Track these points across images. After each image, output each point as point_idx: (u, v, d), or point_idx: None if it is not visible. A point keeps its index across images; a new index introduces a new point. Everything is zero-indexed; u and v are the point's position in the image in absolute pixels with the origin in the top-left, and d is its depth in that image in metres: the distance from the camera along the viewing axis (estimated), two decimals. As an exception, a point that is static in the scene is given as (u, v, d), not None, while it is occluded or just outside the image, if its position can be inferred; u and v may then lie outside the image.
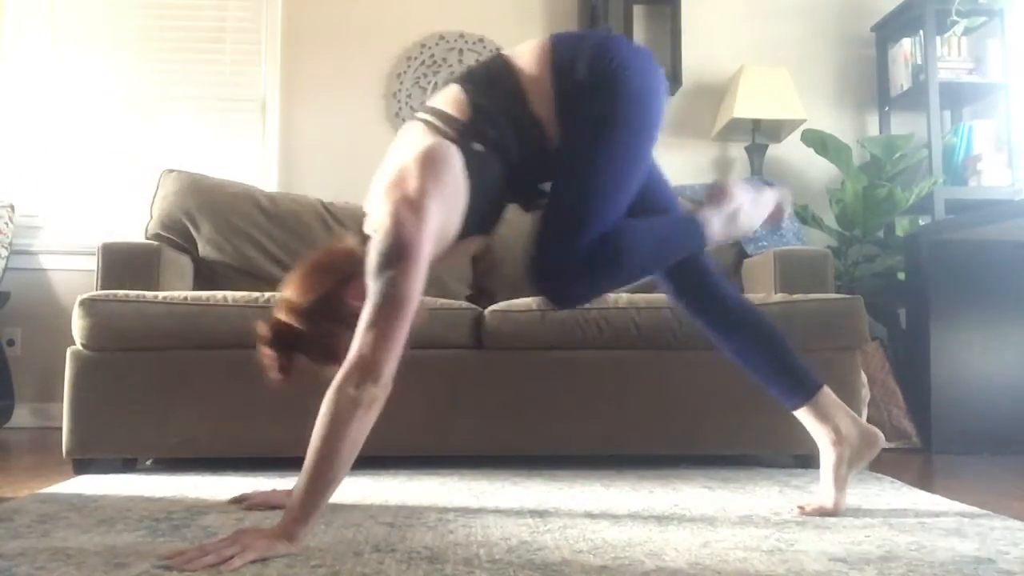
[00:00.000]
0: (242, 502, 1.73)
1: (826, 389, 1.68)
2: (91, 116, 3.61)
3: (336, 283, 1.49)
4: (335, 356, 1.38)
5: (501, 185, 1.53)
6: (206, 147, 3.61)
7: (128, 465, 2.28)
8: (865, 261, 3.37)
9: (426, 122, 1.52)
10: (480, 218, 1.52)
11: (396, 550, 1.31)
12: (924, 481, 2.19)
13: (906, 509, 1.70)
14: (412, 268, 1.33)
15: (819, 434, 1.68)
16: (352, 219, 2.99)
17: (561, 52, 1.54)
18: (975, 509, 1.70)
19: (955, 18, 3.39)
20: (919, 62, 3.46)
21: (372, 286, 1.34)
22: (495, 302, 2.45)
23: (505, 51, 1.62)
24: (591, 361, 2.33)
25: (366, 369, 1.29)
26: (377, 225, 1.40)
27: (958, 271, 2.91)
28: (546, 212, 1.53)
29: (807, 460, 2.34)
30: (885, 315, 3.31)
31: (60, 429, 2.20)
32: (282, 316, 1.48)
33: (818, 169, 3.67)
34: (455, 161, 1.43)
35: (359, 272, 1.43)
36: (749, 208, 1.67)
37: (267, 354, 1.49)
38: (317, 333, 1.47)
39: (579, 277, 1.50)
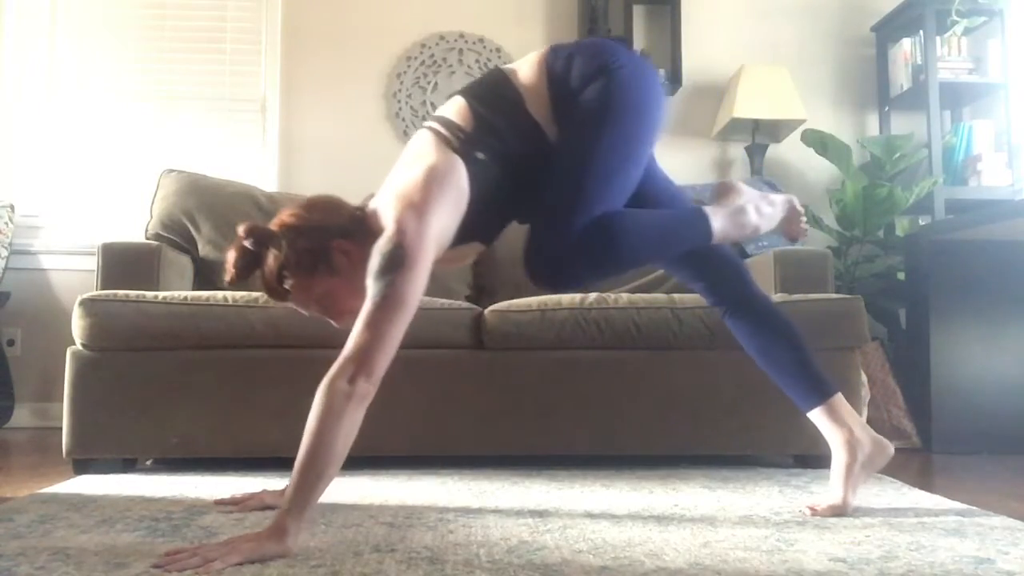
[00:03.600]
0: (227, 505, 1.70)
1: (841, 396, 1.72)
2: (91, 116, 3.61)
3: (332, 224, 1.51)
4: (284, 294, 1.49)
5: (503, 194, 1.57)
6: (206, 147, 3.61)
7: (128, 465, 2.28)
8: (865, 261, 3.37)
9: (434, 131, 1.57)
10: (481, 225, 1.57)
11: (396, 550, 1.31)
12: (924, 481, 2.19)
13: (906, 509, 1.70)
14: (413, 273, 1.36)
15: (833, 435, 1.70)
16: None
17: (556, 55, 1.62)
18: (975, 509, 1.70)
19: (955, 18, 3.39)
20: (919, 62, 3.46)
21: (372, 287, 1.36)
22: (495, 302, 2.45)
23: (505, 66, 1.67)
24: (591, 361, 2.33)
25: (361, 365, 1.31)
26: (384, 229, 1.43)
27: (958, 271, 2.91)
28: (542, 201, 1.55)
29: (807, 460, 2.34)
30: (885, 315, 3.32)
31: (60, 429, 2.20)
32: (270, 225, 1.52)
33: (818, 169, 3.67)
34: (460, 173, 1.50)
35: (354, 233, 1.49)
36: (756, 207, 1.67)
37: (234, 253, 1.50)
38: (287, 259, 1.47)
39: (575, 258, 1.51)
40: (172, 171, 2.95)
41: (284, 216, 1.53)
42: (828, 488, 1.72)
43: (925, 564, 1.24)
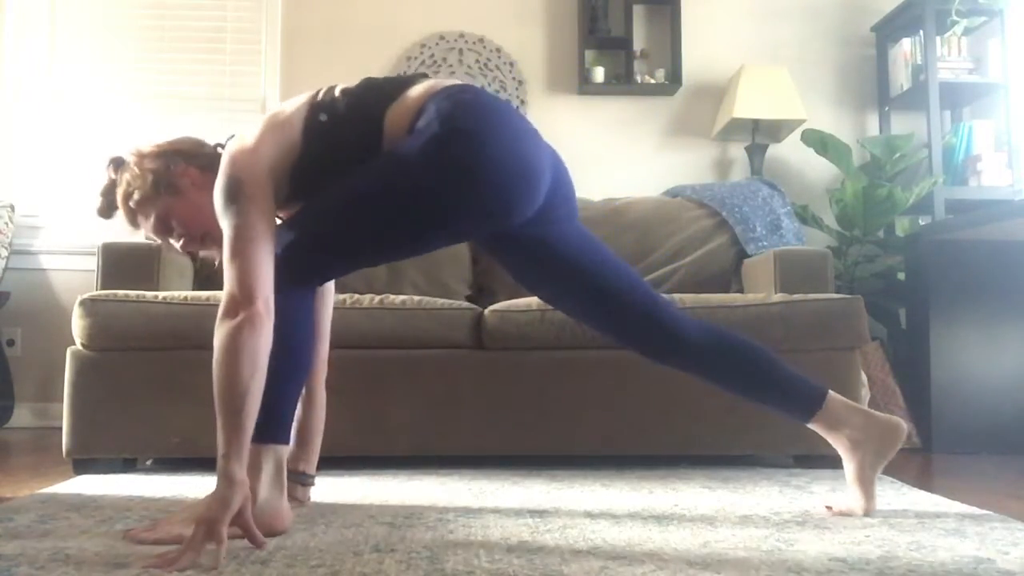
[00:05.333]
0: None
1: (831, 395, 1.62)
2: (91, 116, 3.61)
3: (180, 151, 1.62)
4: (135, 217, 1.60)
5: (325, 163, 1.51)
6: (206, 147, 3.60)
7: (128, 465, 2.28)
8: (865, 261, 3.37)
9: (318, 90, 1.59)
10: (308, 186, 1.52)
11: (396, 550, 1.31)
12: (924, 481, 2.19)
13: (906, 509, 1.70)
14: (253, 199, 1.39)
15: (835, 442, 1.64)
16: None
17: (446, 92, 1.46)
18: (975, 509, 1.70)
19: (955, 18, 3.39)
20: (919, 62, 3.46)
21: (222, 222, 1.40)
22: (495, 302, 2.45)
23: (420, 78, 1.57)
24: (591, 361, 2.33)
25: (236, 299, 1.33)
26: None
27: (958, 271, 2.91)
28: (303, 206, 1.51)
29: (807, 460, 2.34)
30: (885, 315, 3.32)
31: (60, 429, 2.21)
32: (129, 156, 1.63)
33: (818, 169, 3.67)
34: (295, 122, 1.49)
35: (206, 165, 1.59)
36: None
37: (100, 190, 1.65)
38: (134, 181, 1.59)
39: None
40: (172, 171, 2.95)
41: (141, 147, 1.63)
42: (846, 490, 1.69)
43: (925, 564, 1.24)
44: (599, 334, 1.69)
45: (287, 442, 1.44)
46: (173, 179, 1.58)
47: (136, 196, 1.59)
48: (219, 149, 1.65)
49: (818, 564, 1.24)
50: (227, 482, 1.25)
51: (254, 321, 1.31)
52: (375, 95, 1.50)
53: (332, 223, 1.44)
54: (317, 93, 1.54)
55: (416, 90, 1.49)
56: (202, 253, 1.69)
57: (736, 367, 1.62)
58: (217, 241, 1.54)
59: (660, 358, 1.65)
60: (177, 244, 1.63)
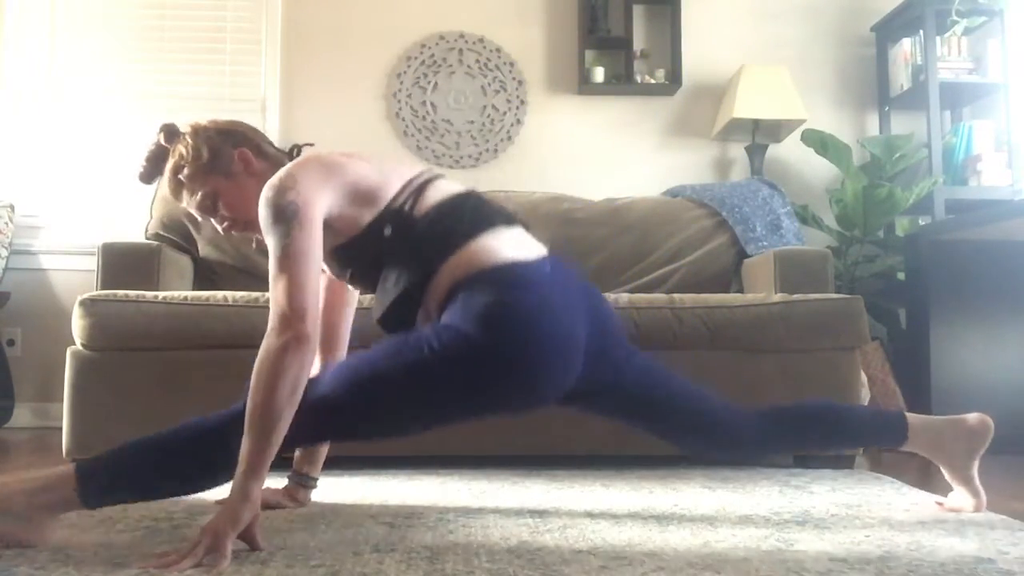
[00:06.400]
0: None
1: (905, 418, 1.68)
2: (91, 116, 3.61)
3: (240, 133, 1.59)
4: (180, 189, 1.56)
5: (371, 274, 1.48)
6: (206, 147, 3.60)
7: (128, 465, 2.28)
8: (865, 261, 3.37)
9: (423, 173, 1.51)
10: (343, 262, 1.50)
11: (396, 550, 1.31)
12: (924, 481, 2.18)
13: (906, 509, 1.70)
14: (303, 226, 1.35)
15: (929, 455, 1.70)
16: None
17: (490, 283, 1.39)
18: (975, 509, 1.70)
19: (955, 18, 3.39)
20: (919, 62, 3.46)
21: (269, 239, 1.37)
22: (495, 302, 2.45)
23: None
24: (591, 361, 2.33)
25: (283, 317, 1.30)
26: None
27: (958, 271, 2.91)
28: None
29: (807, 460, 2.34)
30: (885, 315, 3.32)
31: (60, 429, 2.21)
32: (185, 127, 1.61)
33: (818, 169, 3.67)
34: (367, 210, 1.44)
35: (266, 154, 1.57)
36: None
37: (148, 148, 1.61)
38: (187, 153, 1.55)
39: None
40: (172, 171, 2.95)
41: (198, 120, 1.61)
42: (954, 492, 1.72)
43: (925, 564, 1.24)
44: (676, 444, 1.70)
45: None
46: (227, 160, 1.54)
47: (187, 171, 1.55)
48: (285, 149, 1.63)
49: (818, 564, 1.24)
50: (242, 497, 1.25)
51: (301, 341, 1.29)
52: (443, 237, 1.41)
53: (369, 399, 1.36)
54: (406, 186, 1.46)
55: (475, 249, 1.40)
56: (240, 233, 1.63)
57: (809, 436, 1.69)
58: (243, 227, 1.55)
59: (734, 457, 1.69)
60: (220, 226, 1.59)
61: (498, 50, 3.70)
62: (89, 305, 2.20)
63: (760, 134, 3.55)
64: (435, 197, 1.46)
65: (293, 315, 1.29)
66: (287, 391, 1.28)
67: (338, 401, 1.35)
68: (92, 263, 2.60)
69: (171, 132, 1.60)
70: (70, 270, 3.50)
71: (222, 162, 1.54)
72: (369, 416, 1.38)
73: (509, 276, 1.39)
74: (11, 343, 3.46)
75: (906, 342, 3.15)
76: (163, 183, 2.79)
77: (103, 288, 2.36)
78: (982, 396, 2.87)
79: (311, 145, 1.60)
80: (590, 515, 1.63)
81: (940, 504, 1.72)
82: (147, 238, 2.81)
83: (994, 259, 2.90)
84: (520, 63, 3.71)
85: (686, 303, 2.34)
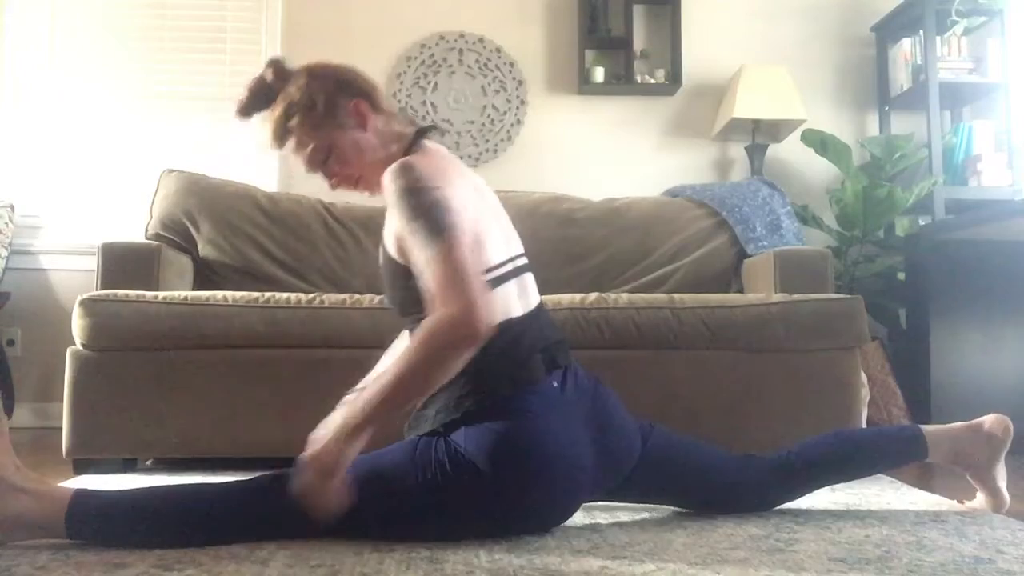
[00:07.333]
0: None
1: (926, 429, 1.67)
2: (91, 116, 3.61)
3: (360, 86, 1.48)
4: (284, 136, 1.45)
5: (412, 292, 1.38)
6: (206, 147, 3.61)
7: (128, 465, 2.28)
8: (865, 261, 3.37)
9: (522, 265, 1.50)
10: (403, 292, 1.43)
11: (396, 550, 1.31)
12: (924, 481, 2.18)
13: (906, 509, 1.70)
14: (458, 233, 1.27)
15: (951, 465, 1.69)
16: (352, 219, 3.00)
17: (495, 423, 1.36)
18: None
19: (955, 18, 3.39)
20: (919, 62, 3.46)
21: (409, 225, 1.28)
22: (495, 302, 2.45)
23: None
24: (591, 361, 2.31)
25: (461, 323, 1.21)
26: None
27: (958, 271, 2.91)
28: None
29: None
30: (885, 315, 3.32)
31: (60, 429, 2.20)
32: (298, 68, 1.49)
33: (818, 169, 3.68)
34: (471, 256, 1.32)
35: (386, 114, 1.48)
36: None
37: (251, 82, 1.50)
38: (299, 99, 1.44)
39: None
40: (172, 171, 2.95)
41: (317, 61, 1.48)
42: (980, 496, 1.71)
43: (925, 564, 1.24)
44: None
45: None
46: (342, 113, 1.44)
47: (297, 119, 1.44)
48: (412, 124, 1.52)
49: (818, 564, 1.24)
50: (355, 438, 1.25)
51: (476, 340, 1.22)
52: (499, 370, 1.37)
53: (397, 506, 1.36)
54: (506, 263, 1.42)
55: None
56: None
57: (831, 476, 1.67)
58: (370, 184, 1.46)
59: (760, 508, 1.68)
60: (328, 180, 1.49)
61: (498, 50, 3.70)
62: (89, 305, 2.20)
63: (760, 134, 3.55)
64: (515, 311, 1.42)
65: (473, 323, 1.21)
66: (439, 378, 1.26)
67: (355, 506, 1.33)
68: (92, 263, 2.60)
69: (280, 69, 1.48)
70: (70, 270, 3.50)
71: (337, 114, 1.43)
72: (386, 524, 1.38)
73: (520, 405, 1.36)
74: (11, 343, 3.46)
75: (906, 342, 3.15)
76: (164, 182, 2.74)
77: (103, 288, 2.36)
78: (982, 396, 2.87)
79: (446, 128, 1.54)
80: (590, 515, 1.63)
81: (961, 502, 1.74)
82: (147, 238, 2.80)
83: (994, 259, 2.90)
84: (520, 63, 3.71)
85: (686, 303, 2.34)
